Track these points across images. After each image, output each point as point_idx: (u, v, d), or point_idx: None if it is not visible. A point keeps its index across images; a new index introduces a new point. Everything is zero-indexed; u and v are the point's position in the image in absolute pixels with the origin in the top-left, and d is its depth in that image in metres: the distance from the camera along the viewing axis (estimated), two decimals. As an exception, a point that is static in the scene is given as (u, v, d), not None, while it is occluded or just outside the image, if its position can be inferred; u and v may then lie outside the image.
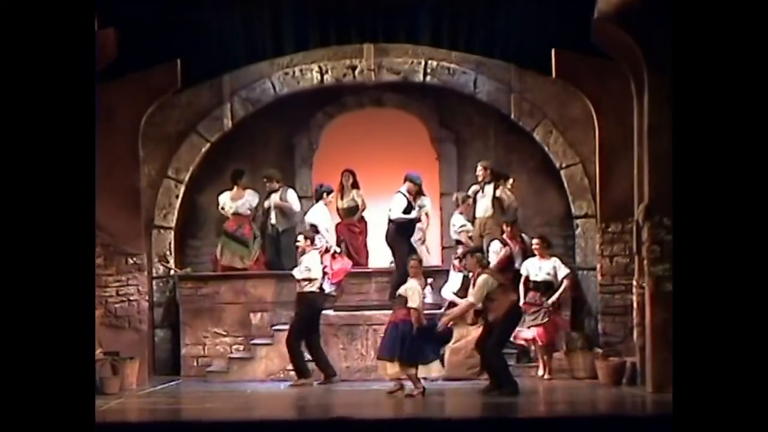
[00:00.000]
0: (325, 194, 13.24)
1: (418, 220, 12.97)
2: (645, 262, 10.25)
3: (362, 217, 13.76)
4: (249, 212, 13.58)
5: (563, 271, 12.25)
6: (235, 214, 13.52)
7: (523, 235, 12.91)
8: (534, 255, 12.36)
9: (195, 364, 13.22)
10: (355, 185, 13.74)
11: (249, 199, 13.57)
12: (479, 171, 13.23)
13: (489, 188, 13.09)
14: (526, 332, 11.92)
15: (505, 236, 12.66)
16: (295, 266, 12.24)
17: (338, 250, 12.97)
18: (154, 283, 13.48)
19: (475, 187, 13.32)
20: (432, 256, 13.72)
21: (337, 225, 13.64)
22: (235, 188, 13.61)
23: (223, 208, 13.63)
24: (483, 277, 10.48)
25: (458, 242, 12.91)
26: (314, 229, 12.77)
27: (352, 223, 13.68)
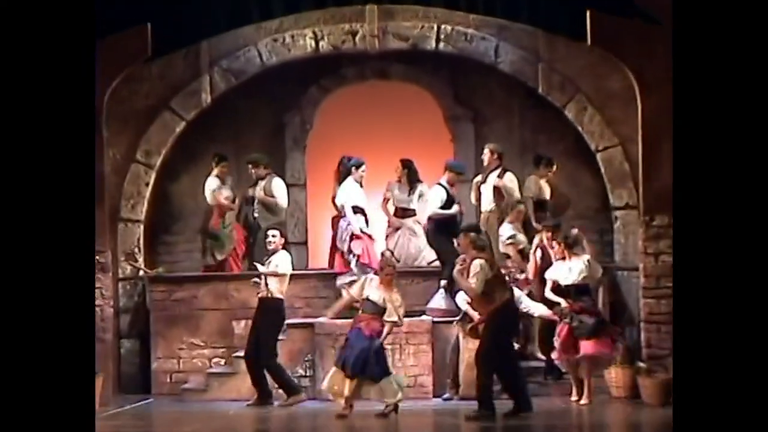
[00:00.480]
0: (353, 168, 13.19)
1: (460, 214, 13.03)
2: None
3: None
4: (225, 202, 13.67)
5: (598, 270, 11.96)
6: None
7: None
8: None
9: (168, 380, 13.25)
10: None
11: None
12: (485, 155, 13.24)
13: (493, 177, 13.07)
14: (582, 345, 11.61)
15: (544, 241, 12.39)
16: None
17: (365, 229, 13.06)
18: (120, 285, 13.54)
19: (479, 178, 13.29)
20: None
21: (333, 218, 13.65)
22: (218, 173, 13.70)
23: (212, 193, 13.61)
24: (478, 261, 10.32)
25: (506, 256, 12.65)
26: (345, 210, 12.97)
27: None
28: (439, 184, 13.06)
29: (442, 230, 12.89)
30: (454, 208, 13.01)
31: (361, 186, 13.22)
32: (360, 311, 10.99)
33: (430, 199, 13.03)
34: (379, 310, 10.82)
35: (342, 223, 13.02)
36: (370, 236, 13.16)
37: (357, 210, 13.11)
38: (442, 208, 12.97)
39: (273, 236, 12.17)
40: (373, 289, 10.95)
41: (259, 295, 12.08)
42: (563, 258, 11.79)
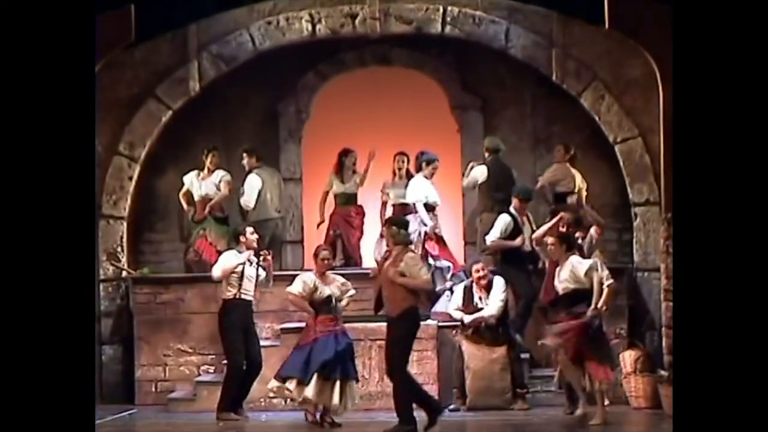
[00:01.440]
0: (425, 163, 13.19)
1: (531, 251, 12.52)
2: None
3: (360, 206, 13.89)
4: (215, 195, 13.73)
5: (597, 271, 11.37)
6: (202, 198, 13.68)
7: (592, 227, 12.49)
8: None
9: (153, 389, 13.26)
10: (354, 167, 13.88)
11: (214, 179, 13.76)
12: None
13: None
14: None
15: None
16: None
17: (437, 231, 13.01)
18: (101, 287, 13.54)
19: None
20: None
21: (331, 215, 13.78)
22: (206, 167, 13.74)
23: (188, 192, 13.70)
24: (411, 254, 10.37)
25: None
26: (417, 208, 12.90)
27: (348, 213, 13.82)
28: (508, 212, 12.73)
29: (511, 262, 12.64)
30: (518, 240, 12.66)
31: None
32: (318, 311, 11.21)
33: (494, 226, 12.73)
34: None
35: (413, 222, 12.72)
36: (441, 237, 13.06)
37: (429, 208, 13.03)
38: (507, 238, 12.67)
39: (244, 233, 12.07)
40: (322, 286, 11.25)
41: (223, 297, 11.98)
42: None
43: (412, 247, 10.64)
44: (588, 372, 10.76)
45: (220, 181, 13.69)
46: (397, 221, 10.91)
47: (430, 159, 13.18)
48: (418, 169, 13.22)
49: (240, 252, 11.78)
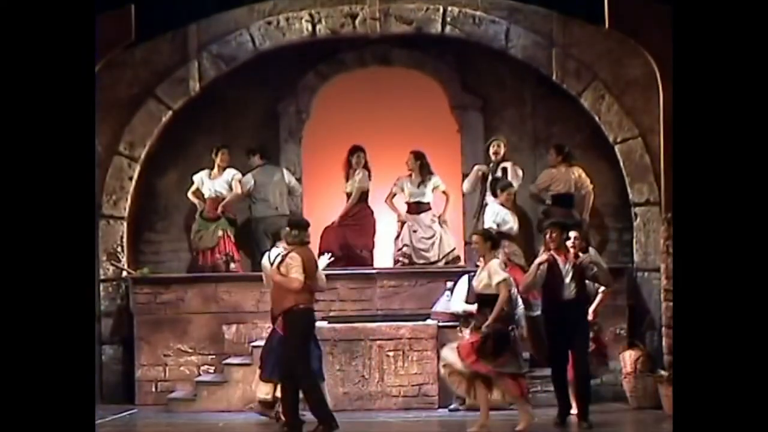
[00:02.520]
0: (499, 191, 13.02)
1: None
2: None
3: (367, 204, 13.86)
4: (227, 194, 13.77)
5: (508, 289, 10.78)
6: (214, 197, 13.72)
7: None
8: None
9: (153, 389, 13.23)
10: (365, 165, 13.85)
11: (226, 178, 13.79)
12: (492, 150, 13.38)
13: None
14: None
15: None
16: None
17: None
18: (101, 287, 13.52)
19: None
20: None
21: (326, 228, 13.75)
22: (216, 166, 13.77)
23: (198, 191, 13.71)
24: (293, 253, 10.40)
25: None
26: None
27: (356, 212, 13.80)
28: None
29: None
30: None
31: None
32: None
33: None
34: None
35: None
36: (520, 266, 12.49)
37: (504, 236, 12.56)
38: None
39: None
40: None
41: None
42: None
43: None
44: (501, 389, 10.44)
45: (231, 180, 13.68)
46: (292, 222, 10.98)
47: (505, 186, 13.01)
48: (494, 195, 13.08)
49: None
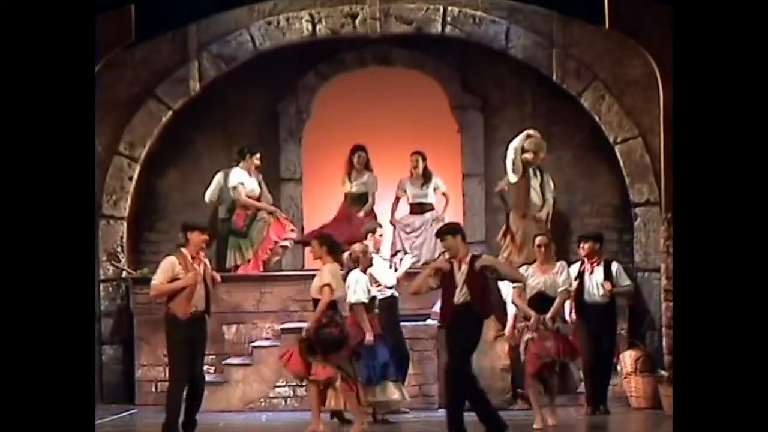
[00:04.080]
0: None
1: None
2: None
3: (372, 210, 13.82)
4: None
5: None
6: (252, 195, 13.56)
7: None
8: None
9: (153, 389, 13.20)
10: (367, 165, 13.85)
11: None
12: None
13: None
14: None
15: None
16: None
17: None
18: (101, 287, 13.54)
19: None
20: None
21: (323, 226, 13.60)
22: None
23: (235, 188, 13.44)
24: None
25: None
26: None
27: (352, 214, 13.80)
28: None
29: None
30: None
31: None
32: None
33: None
34: None
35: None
36: None
37: None
38: None
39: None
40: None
41: None
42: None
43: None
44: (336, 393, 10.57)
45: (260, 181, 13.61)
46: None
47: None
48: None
49: None
